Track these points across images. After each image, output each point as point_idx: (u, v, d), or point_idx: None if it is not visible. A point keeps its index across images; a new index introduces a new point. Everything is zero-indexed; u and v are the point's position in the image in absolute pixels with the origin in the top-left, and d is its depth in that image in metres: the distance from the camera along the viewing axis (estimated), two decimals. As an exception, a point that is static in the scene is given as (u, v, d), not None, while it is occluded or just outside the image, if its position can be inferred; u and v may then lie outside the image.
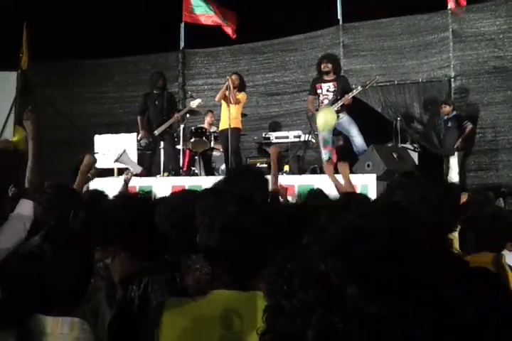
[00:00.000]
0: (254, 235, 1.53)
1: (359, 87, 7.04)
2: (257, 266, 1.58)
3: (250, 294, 1.49)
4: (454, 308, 0.76)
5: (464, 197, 3.42)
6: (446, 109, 8.35)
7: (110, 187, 6.52)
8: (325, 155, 6.95)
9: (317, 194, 3.53)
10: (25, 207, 2.39)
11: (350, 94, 6.91)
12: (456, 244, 2.79)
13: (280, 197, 4.08)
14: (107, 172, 7.41)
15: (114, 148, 7.51)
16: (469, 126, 8.24)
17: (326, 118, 6.51)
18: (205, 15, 10.61)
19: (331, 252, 0.75)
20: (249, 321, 1.43)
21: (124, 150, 6.69)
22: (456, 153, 8.20)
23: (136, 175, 6.13)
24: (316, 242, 0.79)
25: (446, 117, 8.42)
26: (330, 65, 7.10)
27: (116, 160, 6.61)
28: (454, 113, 8.34)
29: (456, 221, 1.73)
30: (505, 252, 2.64)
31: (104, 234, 2.37)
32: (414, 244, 0.78)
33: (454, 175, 8.15)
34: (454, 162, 8.22)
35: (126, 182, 4.98)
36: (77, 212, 2.63)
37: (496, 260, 2.36)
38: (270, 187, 4.16)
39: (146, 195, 2.61)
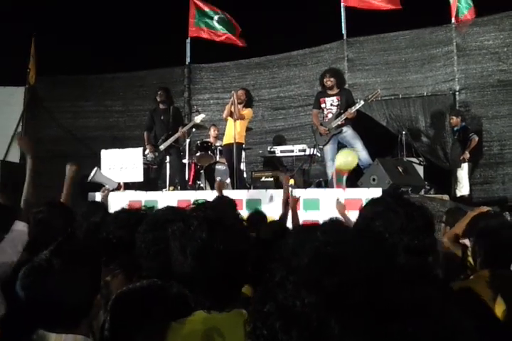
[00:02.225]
0: (230, 256, 1.50)
1: (361, 101, 7.02)
2: (238, 284, 1.58)
3: (231, 313, 1.49)
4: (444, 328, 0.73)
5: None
6: (454, 120, 8.31)
7: (115, 201, 6.54)
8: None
9: None
10: (20, 230, 2.36)
11: (352, 108, 6.93)
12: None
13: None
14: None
15: (120, 163, 7.54)
16: (475, 138, 8.18)
17: (346, 160, 6.26)
18: (209, 30, 10.74)
19: (304, 286, 0.71)
20: (231, 339, 1.43)
21: (96, 169, 6.71)
22: (463, 166, 8.14)
23: (114, 189, 6.15)
24: (287, 276, 0.75)
25: (455, 129, 8.36)
26: (333, 79, 7.12)
27: (90, 180, 6.60)
28: (463, 124, 8.29)
29: (434, 243, 1.69)
30: None
31: (104, 252, 2.35)
32: (391, 270, 0.75)
33: (461, 188, 8.10)
34: (461, 175, 8.16)
35: (104, 199, 4.97)
36: (73, 229, 2.62)
37: (493, 277, 2.32)
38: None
39: (148, 211, 2.51)
